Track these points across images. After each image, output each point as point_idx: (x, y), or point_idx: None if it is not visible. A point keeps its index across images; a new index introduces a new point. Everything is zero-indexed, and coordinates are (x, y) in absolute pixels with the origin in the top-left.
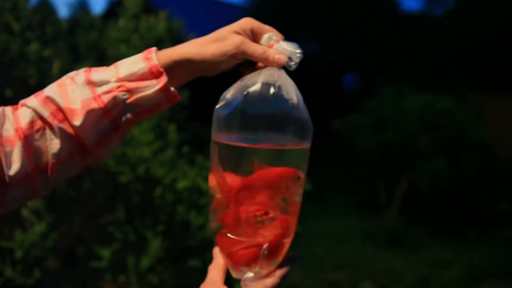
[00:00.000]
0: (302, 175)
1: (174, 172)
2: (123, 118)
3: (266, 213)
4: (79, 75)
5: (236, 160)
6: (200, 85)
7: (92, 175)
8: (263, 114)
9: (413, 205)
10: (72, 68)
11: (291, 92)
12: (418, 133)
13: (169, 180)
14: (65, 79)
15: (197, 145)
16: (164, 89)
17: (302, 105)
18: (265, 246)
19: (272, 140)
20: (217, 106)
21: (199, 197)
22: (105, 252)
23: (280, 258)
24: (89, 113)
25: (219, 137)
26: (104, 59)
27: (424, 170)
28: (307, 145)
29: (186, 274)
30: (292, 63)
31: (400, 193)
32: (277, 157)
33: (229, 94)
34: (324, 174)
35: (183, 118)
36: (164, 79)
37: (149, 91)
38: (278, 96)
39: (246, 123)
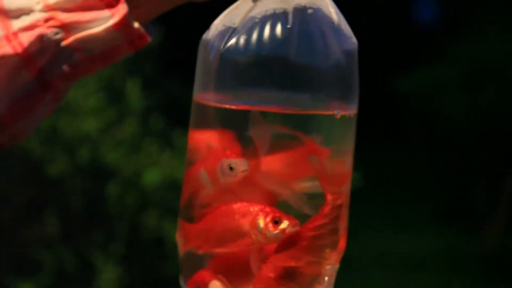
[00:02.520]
0: (236, 164)
1: (137, 158)
2: (56, 72)
3: (276, 221)
4: None
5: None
6: (180, 18)
7: (4, 163)
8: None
9: None
10: None
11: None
12: None
13: (130, 171)
14: None
15: (173, 113)
16: (123, 24)
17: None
18: None
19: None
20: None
21: (177, 198)
22: None
23: None
24: None
25: (199, 96)
26: None
27: None
28: (346, 109)
29: None
30: None
31: (510, 192)
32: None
33: (217, 22)
34: (383, 164)
35: (152, 71)
36: (122, 9)
37: (97, 28)
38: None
39: (234, 73)
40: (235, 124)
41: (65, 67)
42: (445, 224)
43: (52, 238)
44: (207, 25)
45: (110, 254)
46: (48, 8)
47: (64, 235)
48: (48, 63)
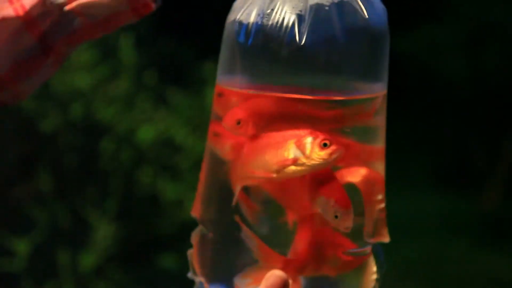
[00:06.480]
0: (343, 216)
1: (131, 114)
2: (58, 36)
3: (325, 143)
4: None
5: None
6: None
7: None
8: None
9: None
10: None
11: None
12: None
13: (124, 128)
14: None
15: (168, 71)
16: None
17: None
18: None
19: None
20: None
21: (172, 155)
22: (22, 246)
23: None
24: (1, 24)
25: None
26: None
27: None
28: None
29: (154, 279)
30: None
31: (510, 155)
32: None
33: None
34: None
35: (146, 27)
36: None
37: None
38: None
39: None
40: None
41: (68, 32)
42: (445, 184)
43: (46, 195)
44: None
45: (105, 211)
46: None
47: (58, 191)
48: (51, 28)
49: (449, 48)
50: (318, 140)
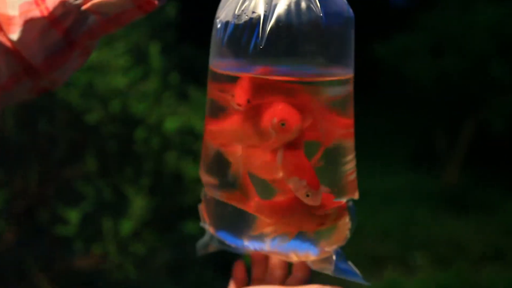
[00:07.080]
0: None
1: (159, 108)
2: (80, 31)
3: (282, 123)
4: None
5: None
6: None
7: (51, 113)
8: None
9: (483, 155)
10: None
11: None
12: (491, 58)
13: (154, 120)
14: None
15: (189, 72)
16: None
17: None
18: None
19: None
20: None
21: (193, 141)
22: (73, 215)
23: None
24: (30, 24)
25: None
26: None
27: (499, 108)
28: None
29: (181, 241)
30: None
31: (466, 139)
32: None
33: None
34: (364, 117)
35: (170, 37)
36: None
37: None
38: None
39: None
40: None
41: (87, 28)
42: (413, 166)
43: (92, 174)
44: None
45: (139, 187)
46: None
47: (102, 171)
48: (72, 25)
49: (417, 53)
50: (276, 123)
